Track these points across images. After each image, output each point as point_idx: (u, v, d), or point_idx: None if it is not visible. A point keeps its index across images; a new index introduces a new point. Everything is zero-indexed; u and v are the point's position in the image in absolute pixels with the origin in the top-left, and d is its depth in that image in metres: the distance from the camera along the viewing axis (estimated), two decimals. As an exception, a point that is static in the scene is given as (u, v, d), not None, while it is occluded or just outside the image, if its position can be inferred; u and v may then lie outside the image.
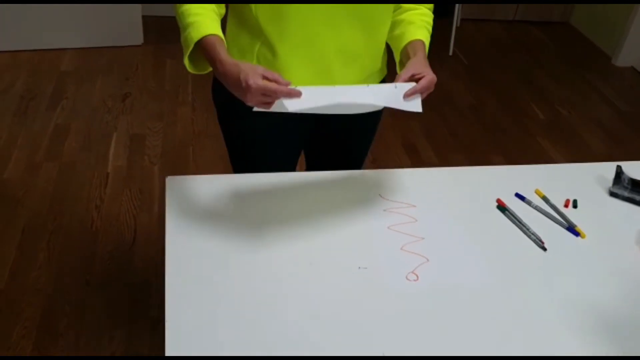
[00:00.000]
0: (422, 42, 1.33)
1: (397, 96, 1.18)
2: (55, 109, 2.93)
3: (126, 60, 3.36)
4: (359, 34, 1.32)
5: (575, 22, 4.27)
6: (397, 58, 1.38)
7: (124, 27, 3.43)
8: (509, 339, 1.08)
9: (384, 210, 1.33)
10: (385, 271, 1.18)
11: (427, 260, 1.22)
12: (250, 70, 1.11)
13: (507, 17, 4.26)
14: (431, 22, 1.39)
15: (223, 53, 1.17)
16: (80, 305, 1.99)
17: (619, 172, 1.44)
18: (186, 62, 1.22)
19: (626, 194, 1.43)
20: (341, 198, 1.35)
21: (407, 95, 1.19)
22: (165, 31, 3.64)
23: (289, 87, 1.11)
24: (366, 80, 1.41)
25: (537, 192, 1.43)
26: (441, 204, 1.37)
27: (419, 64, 1.24)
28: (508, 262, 1.23)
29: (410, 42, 1.33)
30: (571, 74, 3.65)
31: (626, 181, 1.43)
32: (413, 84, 1.19)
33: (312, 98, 1.12)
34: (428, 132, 2.98)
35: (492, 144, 2.96)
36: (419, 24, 1.36)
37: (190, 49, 1.19)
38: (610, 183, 1.48)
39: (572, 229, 1.33)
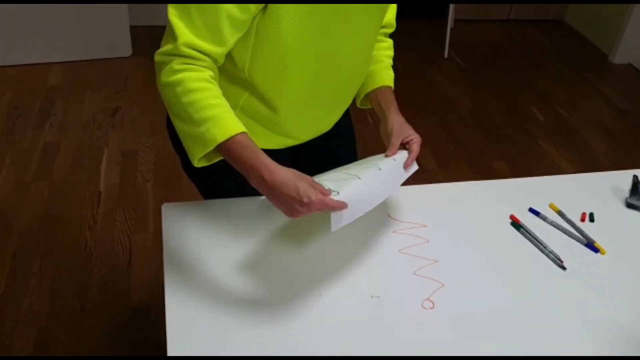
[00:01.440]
0: (391, 90, 1.33)
1: (399, 169, 1.24)
2: (44, 126, 2.84)
3: (115, 73, 3.28)
4: (356, 78, 1.28)
5: (570, 20, 4.23)
6: (361, 93, 1.35)
7: (111, 38, 3.34)
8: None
9: (394, 232, 1.26)
10: (399, 299, 1.11)
11: (443, 285, 1.15)
12: (307, 183, 1.00)
13: (502, 17, 4.20)
14: (392, 55, 1.38)
15: (268, 159, 1.02)
16: (76, 333, 1.91)
17: (636, 183, 1.38)
18: (197, 162, 1.06)
19: (644, 205, 1.36)
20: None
21: (408, 165, 1.24)
22: (154, 41, 3.53)
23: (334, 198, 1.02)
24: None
25: (551, 206, 1.37)
26: (452, 222, 1.30)
27: (402, 127, 1.24)
28: (527, 284, 1.17)
29: (381, 89, 1.32)
30: (569, 74, 3.60)
31: (644, 192, 1.37)
32: (406, 153, 1.24)
33: (353, 211, 1.06)
34: (428, 139, 2.91)
35: (494, 149, 2.90)
36: (385, 63, 1.35)
37: (211, 149, 1.02)
38: (626, 193, 1.42)
39: (591, 245, 1.26)
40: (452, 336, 1.05)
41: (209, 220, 1.26)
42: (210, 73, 1.05)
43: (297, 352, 1.01)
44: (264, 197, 1.04)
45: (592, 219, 1.34)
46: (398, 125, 1.26)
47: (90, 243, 2.22)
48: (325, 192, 1.01)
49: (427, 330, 1.06)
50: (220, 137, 1.00)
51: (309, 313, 1.08)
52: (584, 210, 1.36)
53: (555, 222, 1.32)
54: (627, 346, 1.06)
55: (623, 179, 1.45)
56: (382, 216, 1.29)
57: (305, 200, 0.98)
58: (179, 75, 1.02)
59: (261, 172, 1.00)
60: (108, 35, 3.33)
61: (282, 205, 1.01)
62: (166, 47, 1.03)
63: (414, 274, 1.17)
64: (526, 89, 3.42)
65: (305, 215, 1.01)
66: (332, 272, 1.15)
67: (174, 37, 1.02)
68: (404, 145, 1.25)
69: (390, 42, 1.38)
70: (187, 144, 1.05)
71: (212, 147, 1.01)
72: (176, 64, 1.02)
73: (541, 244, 1.25)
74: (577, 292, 1.16)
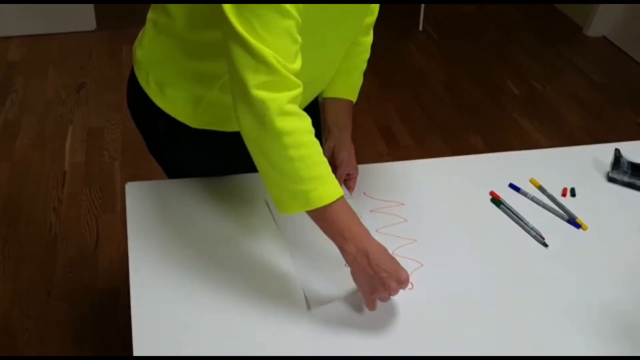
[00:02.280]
0: (351, 106, 1.26)
1: None
2: (4, 103, 2.72)
3: (79, 48, 3.15)
4: (338, 63, 1.21)
5: (544, -7, 4.18)
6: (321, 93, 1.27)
7: (74, 11, 3.20)
8: (515, 345, 0.98)
9: (371, 211, 1.21)
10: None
11: (422, 265, 1.11)
12: (397, 262, 0.96)
13: (476, -11, 4.14)
14: (367, 58, 1.28)
15: (365, 227, 0.96)
16: (42, 318, 1.83)
17: (618, 157, 1.35)
18: (291, 211, 0.95)
19: (626, 179, 1.33)
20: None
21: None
22: (120, 14, 3.42)
23: None
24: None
25: (532, 181, 1.33)
26: (431, 200, 1.26)
27: (350, 159, 1.21)
28: (508, 262, 1.13)
29: (341, 102, 1.25)
30: (543, 47, 3.57)
31: (625, 165, 1.34)
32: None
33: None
34: (403, 114, 2.87)
35: (469, 124, 2.86)
36: (357, 72, 1.27)
37: (312, 208, 0.93)
38: (607, 167, 1.38)
39: (572, 220, 1.23)
40: (432, 317, 1.01)
41: (175, 199, 1.19)
42: (309, 118, 0.95)
43: (268, 333, 0.96)
44: (232, 177, 0.97)
45: (573, 194, 1.30)
46: (348, 156, 1.21)
47: (55, 225, 2.14)
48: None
49: (406, 311, 1.02)
50: (327, 200, 0.92)
51: (281, 293, 1.03)
52: (565, 185, 1.32)
53: (536, 198, 1.28)
54: (609, 324, 1.03)
55: (604, 152, 1.42)
56: (358, 195, 1.24)
57: (401, 277, 0.94)
58: (290, 124, 0.89)
59: (362, 242, 0.94)
60: (71, 8, 3.19)
61: (371, 282, 0.95)
62: (261, 77, 0.87)
63: (392, 253, 1.12)
64: (501, 62, 3.38)
65: (384, 298, 0.97)
66: (306, 252, 1.10)
67: (262, 60, 0.86)
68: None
69: (367, 46, 1.27)
70: (281, 196, 0.95)
71: (314, 207, 0.92)
72: (285, 101, 0.89)
73: (522, 221, 1.22)
74: (559, 269, 1.13)
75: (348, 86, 1.26)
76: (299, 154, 0.90)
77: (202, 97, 1.11)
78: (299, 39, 0.91)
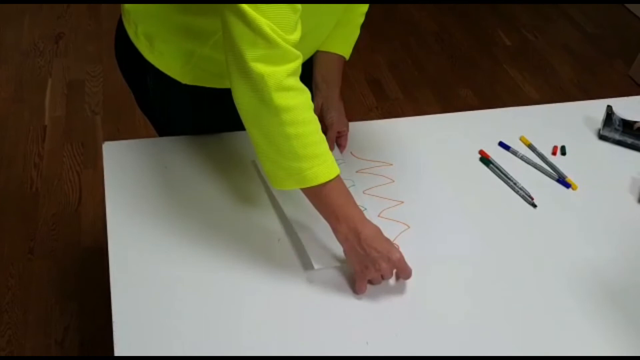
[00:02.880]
0: (343, 62, 1.21)
1: None
2: (-21, 54, 2.63)
3: (57, -4, 3.03)
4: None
5: (539, -61, 4.06)
6: None
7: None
8: (503, 308, 0.97)
9: (357, 172, 1.18)
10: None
11: (408, 227, 1.08)
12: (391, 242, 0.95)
13: None
14: (365, 11, 1.21)
15: (359, 209, 0.94)
16: (24, 276, 1.81)
17: (610, 113, 1.32)
18: (285, 187, 0.93)
19: (617, 136, 1.31)
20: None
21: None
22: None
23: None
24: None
25: (522, 139, 1.30)
26: (419, 159, 1.22)
27: (341, 118, 1.18)
28: (496, 223, 1.11)
29: (332, 56, 1.19)
30: (536, -5, 3.48)
31: (617, 122, 1.31)
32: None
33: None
34: (392, 65, 2.81)
35: (459, 76, 2.81)
36: (355, 20, 1.20)
37: (308, 186, 0.91)
38: (598, 124, 1.35)
39: (562, 180, 1.21)
40: (418, 280, 0.99)
41: (156, 159, 1.15)
42: (309, 92, 0.91)
43: (245, 295, 0.94)
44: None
45: (563, 152, 1.28)
46: (338, 115, 1.18)
47: (36, 181, 2.09)
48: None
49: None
50: (323, 179, 0.90)
51: (260, 253, 1.00)
52: (556, 143, 1.29)
53: (525, 157, 1.25)
54: (595, 285, 1.02)
55: (596, 109, 1.39)
56: (345, 155, 1.20)
57: (392, 257, 0.92)
58: (289, 101, 0.86)
59: (355, 224, 0.92)
60: (46, -47, 3.05)
61: (363, 261, 0.93)
62: (259, 51, 0.83)
63: (379, 216, 1.10)
64: (492, 12, 3.30)
65: (376, 279, 0.96)
66: (291, 215, 1.07)
67: (260, 32, 0.82)
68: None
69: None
70: (275, 172, 0.92)
71: (309, 186, 0.90)
72: (284, 76, 0.85)
73: (511, 181, 1.19)
74: (547, 231, 1.11)
75: (341, 40, 1.20)
76: (297, 131, 0.87)
77: (193, 53, 1.06)
78: (299, 6, 0.86)
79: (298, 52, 0.87)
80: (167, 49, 1.07)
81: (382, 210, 1.11)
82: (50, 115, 2.35)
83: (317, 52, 1.19)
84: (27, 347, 1.64)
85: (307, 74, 1.22)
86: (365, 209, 1.08)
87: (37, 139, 2.25)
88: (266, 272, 0.98)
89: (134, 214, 1.05)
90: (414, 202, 1.13)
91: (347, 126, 1.21)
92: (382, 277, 0.95)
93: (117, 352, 0.86)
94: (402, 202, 1.13)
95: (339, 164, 1.14)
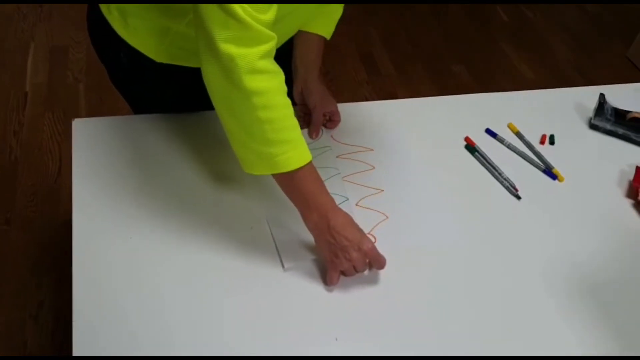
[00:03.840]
0: (322, 43, 1.16)
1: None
2: (-40, 16, 2.54)
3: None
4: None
5: None
6: None
7: None
8: (479, 303, 0.94)
9: (337, 157, 1.14)
10: (338, 234, 1.00)
11: (387, 217, 1.05)
12: (364, 233, 0.92)
13: None
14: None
15: (331, 197, 0.91)
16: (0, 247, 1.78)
17: (602, 102, 1.27)
18: (256, 172, 0.90)
19: (608, 126, 1.26)
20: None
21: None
22: None
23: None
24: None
25: (510, 126, 1.26)
26: (402, 145, 1.18)
27: (323, 98, 1.15)
28: (477, 215, 1.08)
29: (309, 37, 1.13)
30: (537, -30, 3.39)
31: (609, 112, 1.27)
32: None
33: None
34: (386, 39, 2.73)
35: (453, 51, 2.74)
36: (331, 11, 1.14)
37: (279, 172, 0.88)
38: (590, 112, 1.31)
39: (549, 171, 1.17)
40: (393, 274, 0.96)
41: (126, 138, 1.11)
42: (283, 76, 0.87)
43: (210, 282, 0.91)
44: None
45: (552, 142, 1.24)
46: (320, 98, 1.14)
47: (15, 150, 2.04)
48: None
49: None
50: (294, 165, 0.87)
51: (230, 239, 0.97)
52: (545, 131, 1.25)
53: (512, 145, 1.21)
54: (577, 282, 0.99)
55: (589, 96, 1.34)
56: (324, 139, 1.16)
57: (363, 246, 0.89)
58: (261, 84, 0.82)
59: (326, 212, 0.89)
60: None
61: (333, 250, 0.90)
62: (230, 32, 0.79)
63: (357, 204, 1.06)
64: (492, -14, 3.21)
65: (348, 270, 0.91)
66: (264, 202, 1.03)
67: (231, 12, 0.78)
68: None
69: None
70: (246, 156, 0.90)
71: (280, 172, 0.87)
72: (256, 58, 0.81)
73: (496, 170, 1.15)
74: (531, 225, 1.07)
75: (321, 19, 1.15)
76: (269, 115, 0.84)
77: (169, 30, 1.01)
78: None
79: (272, 34, 0.82)
80: (141, 25, 1.02)
81: (360, 199, 1.07)
82: (31, 82, 2.28)
83: (297, 32, 1.13)
84: (1, 322, 1.62)
85: (289, 55, 1.17)
86: (347, 198, 1.04)
87: (18, 106, 2.19)
88: (235, 259, 0.95)
89: (101, 195, 1.02)
90: (394, 190, 1.09)
91: (336, 106, 1.17)
92: (355, 269, 0.92)
93: (75, 328, 0.84)
94: (382, 190, 1.09)
95: (325, 151, 1.10)
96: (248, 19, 0.78)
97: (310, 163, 0.89)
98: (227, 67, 0.81)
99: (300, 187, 0.89)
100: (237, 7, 0.77)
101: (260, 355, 0.84)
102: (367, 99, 2.41)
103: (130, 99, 1.20)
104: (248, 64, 0.80)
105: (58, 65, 2.36)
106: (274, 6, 0.82)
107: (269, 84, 0.84)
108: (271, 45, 0.83)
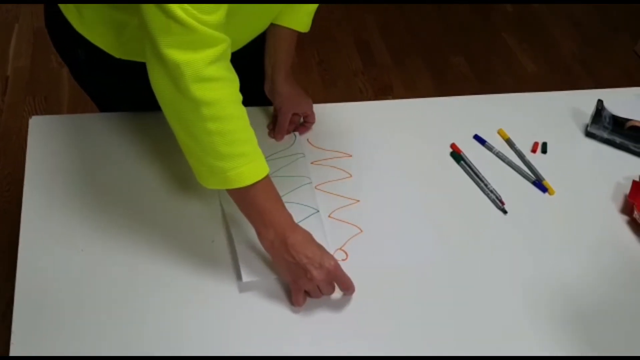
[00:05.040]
0: (294, 37, 1.05)
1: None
2: (-56, -6, 2.46)
3: None
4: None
5: None
6: None
7: None
8: (459, 330, 0.87)
9: (312, 163, 1.06)
10: (306, 249, 0.93)
11: (361, 231, 0.98)
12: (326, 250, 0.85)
13: None
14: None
15: (289, 212, 0.84)
16: (-27, 240, 1.72)
17: (600, 109, 1.19)
18: (210, 186, 0.83)
19: (605, 135, 1.18)
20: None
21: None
22: None
23: None
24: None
25: (500, 132, 1.18)
26: (383, 151, 1.11)
27: (290, 100, 1.06)
28: (459, 230, 1.00)
29: (280, 32, 1.04)
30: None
31: (607, 119, 1.18)
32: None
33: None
34: (384, 28, 2.64)
35: (454, 42, 2.65)
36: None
37: (231, 188, 0.81)
38: (587, 118, 1.23)
39: (539, 182, 1.09)
40: (366, 291, 0.89)
41: (85, 137, 1.04)
42: (238, 83, 0.80)
43: (164, 299, 0.84)
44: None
45: (544, 150, 1.16)
46: (287, 97, 1.06)
47: (-7, 136, 1.98)
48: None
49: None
50: (247, 181, 0.80)
51: (189, 253, 0.90)
52: (538, 138, 1.17)
53: (501, 154, 1.13)
54: (563, 309, 0.91)
55: (586, 100, 1.25)
56: (299, 143, 1.08)
57: (325, 263, 0.82)
58: (210, 93, 0.75)
59: (284, 229, 0.83)
60: None
61: (293, 270, 0.83)
62: (173, 37, 0.72)
63: (329, 216, 0.99)
64: (497, -27, 3.10)
65: (312, 290, 0.85)
66: (228, 212, 0.96)
67: (172, 15, 0.70)
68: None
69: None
70: (197, 168, 0.83)
71: (234, 187, 0.80)
72: (203, 64, 0.73)
73: (482, 181, 1.08)
74: (516, 242, 1.00)
75: (295, 11, 1.05)
76: (219, 128, 0.76)
77: (126, 24, 0.93)
78: None
79: (221, 36, 0.75)
80: (97, 19, 0.94)
81: (333, 210, 1.00)
82: (13, 65, 2.21)
83: (269, 26, 1.05)
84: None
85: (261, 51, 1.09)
86: (317, 210, 0.97)
87: (-2, 90, 2.12)
88: (192, 275, 0.88)
89: (54, 202, 0.95)
90: (370, 201, 1.02)
91: (310, 108, 1.10)
92: (320, 290, 0.85)
93: (14, 329, 0.80)
94: (358, 201, 1.02)
95: (297, 158, 1.03)
96: (191, 21, 0.71)
97: (266, 177, 0.82)
98: (174, 74, 0.73)
99: (254, 203, 0.82)
100: (178, 9, 0.69)
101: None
102: (360, 91, 2.32)
103: (93, 97, 1.13)
104: (195, 71, 0.73)
105: (42, 49, 2.29)
106: (223, 5, 0.74)
107: (219, 93, 0.76)
108: (221, 49, 0.75)
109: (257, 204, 0.82)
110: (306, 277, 0.82)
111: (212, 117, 0.76)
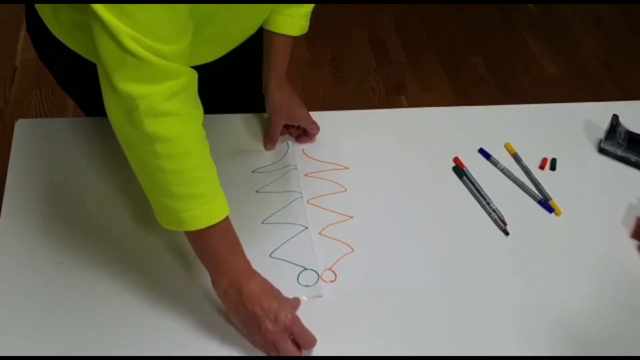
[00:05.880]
0: (288, 43, 0.99)
1: None
2: (-45, -18, 2.45)
3: None
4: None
5: None
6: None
7: None
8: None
9: (305, 175, 1.01)
10: (291, 269, 0.89)
11: (352, 250, 0.93)
12: (286, 301, 0.80)
13: None
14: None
15: (246, 259, 0.79)
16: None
17: (614, 124, 1.13)
18: (167, 227, 0.78)
19: (619, 152, 1.12)
20: (244, 157, 1.02)
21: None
22: None
23: None
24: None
25: (507, 146, 1.12)
26: (382, 164, 1.06)
27: (281, 109, 1.01)
28: (457, 253, 0.95)
29: (274, 39, 0.97)
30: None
31: (622, 136, 1.12)
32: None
33: None
34: (400, 25, 2.57)
35: (472, 41, 2.57)
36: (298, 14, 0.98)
37: (190, 230, 0.75)
38: (601, 133, 1.16)
39: (545, 202, 1.04)
40: (354, 318, 0.84)
41: (72, 143, 1.01)
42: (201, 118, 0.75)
43: (149, 319, 0.80)
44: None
45: (553, 167, 1.10)
46: (278, 105, 1.00)
47: (-2, 129, 1.96)
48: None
49: (324, 307, 0.85)
50: (203, 223, 0.74)
51: (176, 271, 0.86)
52: (547, 154, 1.11)
53: (506, 170, 1.08)
54: (565, 339, 0.86)
55: (602, 113, 1.18)
56: (292, 154, 1.04)
57: (281, 315, 0.76)
58: (166, 129, 0.70)
59: (239, 277, 0.77)
60: None
61: (247, 322, 0.78)
62: (127, 71, 0.67)
63: (320, 233, 0.94)
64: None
65: (267, 349, 0.78)
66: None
67: (126, 48, 0.65)
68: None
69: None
70: (154, 206, 0.77)
71: (188, 230, 0.75)
72: (161, 98, 0.68)
73: (484, 199, 1.02)
74: (517, 266, 0.94)
75: (288, 14, 0.97)
76: (174, 166, 0.71)
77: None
78: (183, 7, 0.68)
79: (182, 68, 0.70)
80: (71, 24, 0.88)
81: (325, 227, 0.95)
82: (22, 56, 2.19)
83: (264, 31, 0.99)
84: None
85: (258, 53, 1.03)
86: (306, 227, 0.93)
87: (6, 81, 2.10)
88: (189, 274, 0.84)
89: (33, 211, 0.92)
90: (364, 218, 0.97)
91: (304, 119, 1.04)
92: (277, 348, 0.77)
93: None
94: (352, 217, 0.97)
95: (289, 171, 0.98)
96: (146, 55, 0.65)
97: (225, 220, 0.76)
98: (128, 106, 0.68)
99: (209, 247, 0.76)
100: (131, 42, 0.64)
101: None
102: (372, 89, 2.27)
103: (78, 102, 1.09)
104: (150, 105, 0.67)
105: (51, 39, 2.26)
106: (188, 31, 0.69)
107: (176, 129, 0.70)
108: (183, 82, 0.70)
109: (212, 248, 0.76)
110: (260, 332, 0.76)
111: (166, 155, 0.70)
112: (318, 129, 1.06)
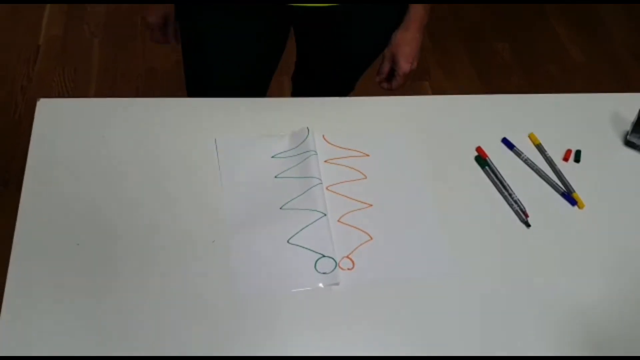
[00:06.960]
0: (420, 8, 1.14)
1: None
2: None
3: None
4: None
5: None
6: None
7: None
8: (471, 351, 0.82)
9: (325, 161, 1.00)
10: (309, 256, 0.88)
11: (371, 238, 0.92)
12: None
13: None
14: None
15: None
16: (-4, 210, 1.72)
17: (643, 116, 1.10)
18: None
19: (646, 145, 1.09)
20: (264, 142, 1.01)
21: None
22: None
23: None
24: None
25: (531, 137, 1.10)
26: (403, 152, 1.04)
27: (398, 48, 1.15)
28: (476, 244, 0.94)
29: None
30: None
31: (650, 128, 1.09)
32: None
33: None
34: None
35: (498, 26, 2.52)
36: None
37: None
38: (628, 125, 1.13)
39: (568, 195, 1.02)
40: (373, 304, 0.84)
41: (98, 127, 1.00)
42: None
43: (162, 277, 0.81)
44: None
45: (577, 159, 1.08)
46: (396, 45, 1.14)
47: (20, 107, 1.97)
48: None
49: (342, 295, 0.85)
50: None
51: (185, 252, 0.86)
52: (571, 145, 1.09)
53: (530, 160, 1.06)
54: (583, 336, 0.85)
55: (629, 104, 1.16)
56: (312, 139, 1.03)
57: None
58: None
59: None
60: None
61: None
62: None
63: (338, 220, 0.93)
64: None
65: None
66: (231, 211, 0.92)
67: None
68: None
69: None
70: None
71: None
72: None
73: (506, 190, 1.01)
74: (537, 259, 0.93)
75: None
76: None
77: None
78: None
79: None
80: None
81: (344, 214, 0.94)
82: (45, 35, 2.19)
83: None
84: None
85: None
86: (325, 214, 0.92)
87: (29, 59, 2.11)
88: (192, 274, 0.84)
89: (52, 188, 0.92)
90: (384, 206, 0.96)
91: (405, 59, 1.16)
92: None
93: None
94: (371, 205, 0.96)
95: (308, 156, 0.98)
96: None
97: None
98: None
99: None
100: None
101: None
102: (395, 75, 2.24)
103: (185, 43, 1.16)
104: None
105: (75, 17, 2.26)
106: None
107: None
108: None
109: None
110: None
111: None
112: (408, 69, 1.16)
